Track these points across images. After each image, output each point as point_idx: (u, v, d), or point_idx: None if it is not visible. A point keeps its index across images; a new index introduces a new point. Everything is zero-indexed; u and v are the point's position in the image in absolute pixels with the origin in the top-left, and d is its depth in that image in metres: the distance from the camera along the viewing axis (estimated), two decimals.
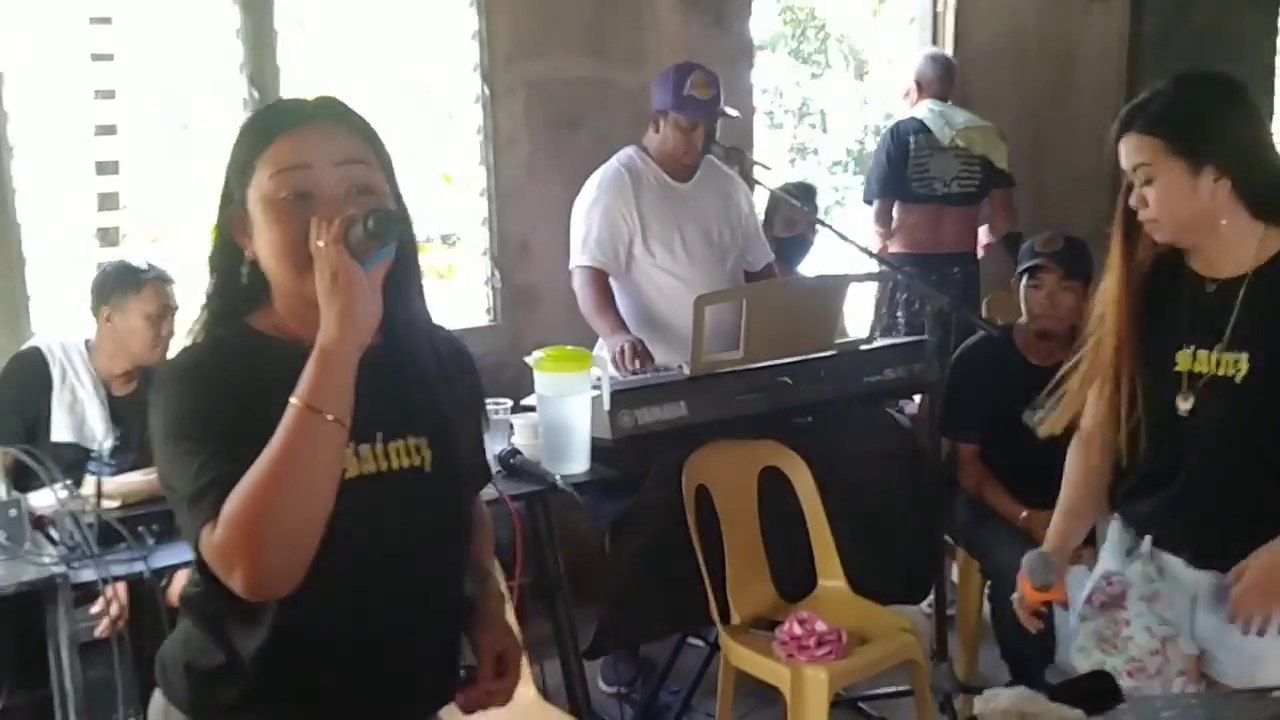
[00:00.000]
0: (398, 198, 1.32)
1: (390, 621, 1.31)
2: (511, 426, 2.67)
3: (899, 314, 4.01)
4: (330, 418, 1.16)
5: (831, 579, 2.86)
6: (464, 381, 1.45)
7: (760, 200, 4.04)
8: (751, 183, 3.55)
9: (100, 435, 2.72)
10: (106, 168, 3.31)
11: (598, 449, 2.60)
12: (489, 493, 2.37)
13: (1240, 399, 1.68)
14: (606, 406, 2.60)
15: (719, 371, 2.79)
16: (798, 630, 2.57)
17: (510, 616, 1.55)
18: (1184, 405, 1.73)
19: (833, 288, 3.10)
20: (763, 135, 5.14)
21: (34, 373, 2.71)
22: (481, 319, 3.78)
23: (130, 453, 2.74)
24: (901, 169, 4.09)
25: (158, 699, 1.39)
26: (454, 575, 1.41)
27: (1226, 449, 1.72)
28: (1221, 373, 1.70)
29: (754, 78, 4.33)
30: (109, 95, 3.27)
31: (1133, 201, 1.75)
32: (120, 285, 2.72)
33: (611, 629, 2.73)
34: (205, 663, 1.32)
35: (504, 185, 3.73)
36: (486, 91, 3.68)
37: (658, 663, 3.19)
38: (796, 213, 3.85)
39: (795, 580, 2.86)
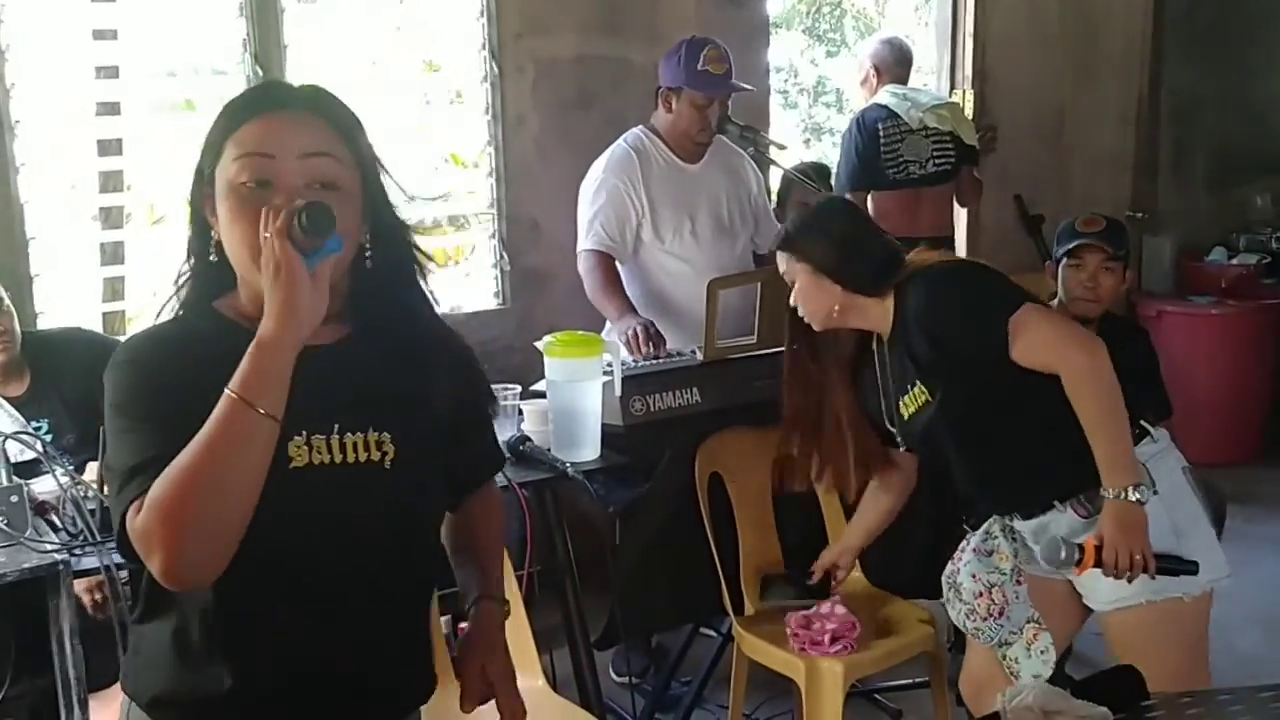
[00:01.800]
0: (377, 194, 1.30)
1: (340, 615, 1.27)
2: (520, 412, 2.63)
3: None
4: (262, 411, 1.14)
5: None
6: (457, 380, 1.40)
7: (774, 181, 3.98)
8: (767, 162, 3.49)
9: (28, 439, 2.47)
10: (109, 147, 3.26)
11: (609, 436, 2.55)
12: (497, 478, 2.36)
13: (936, 413, 2.12)
14: (618, 392, 2.55)
15: (732, 357, 2.74)
16: (809, 623, 2.52)
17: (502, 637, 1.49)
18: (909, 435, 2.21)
19: None
20: (776, 115, 5.06)
21: None
22: (490, 302, 3.73)
23: (70, 434, 2.60)
24: (874, 158, 4.01)
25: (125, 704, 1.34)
26: (411, 572, 1.36)
27: (946, 448, 2.17)
28: (921, 403, 2.14)
29: (768, 56, 4.25)
30: (112, 73, 3.22)
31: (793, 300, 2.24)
32: None
33: (622, 619, 2.69)
34: (162, 658, 1.28)
35: (513, 166, 3.67)
36: (495, 70, 3.61)
37: (669, 653, 3.15)
38: (810, 194, 3.78)
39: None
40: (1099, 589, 2.08)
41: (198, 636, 1.25)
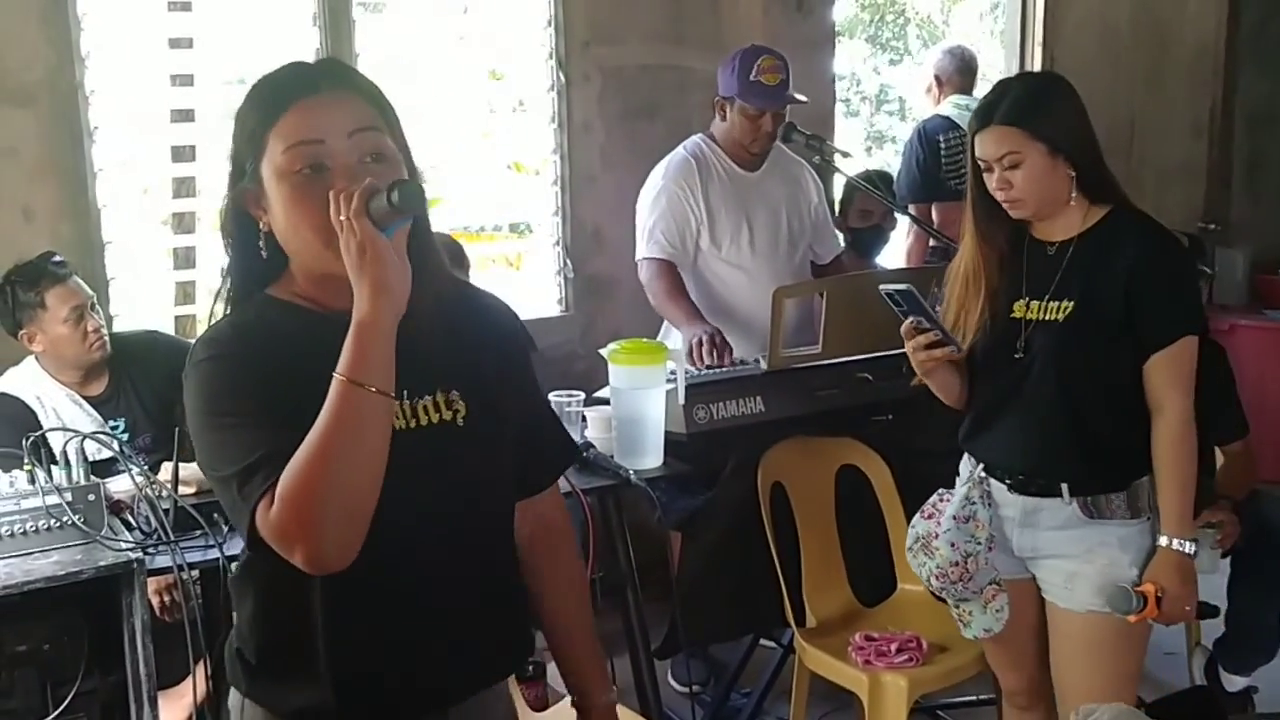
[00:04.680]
0: (408, 158, 1.29)
1: (438, 577, 1.29)
2: (584, 419, 2.63)
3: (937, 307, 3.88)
4: (374, 389, 1.15)
5: (911, 582, 2.77)
6: (507, 340, 1.42)
7: (838, 189, 3.95)
8: (831, 171, 3.47)
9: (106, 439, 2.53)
10: (183, 154, 3.33)
11: (672, 444, 2.55)
12: (561, 484, 2.36)
13: (1062, 336, 2.04)
14: (681, 400, 2.54)
15: (797, 366, 2.72)
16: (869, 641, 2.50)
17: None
18: (1019, 346, 2.08)
19: (916, 281, 2.99)
20: (838, 123, 5.03)
21: (21, 416, 2.59)
22: (553, 309, 3.75)
23: (146, 434, 2.68)
24: (934, 170, 3.96)
25: (234, 696, 1.37)
26: (501, 530, 1.39)
27: (1050, 381, 2.05)
28: (1047, 317, 2.07)
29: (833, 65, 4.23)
30: (187, 81, 3.28)
31: (995, 185, 2.07)
32: (24, 307, 2.63)
33: (683, 628, 2.67)
34: (276, 637, 1.32)
35: (577, 174, 3.69)
36: (561, 79, 3.63)
37: (729, 663, 3.13)
38: (872, 202, 3.75)
39: (873, 583, 2.78)
40: (1077, 592, 2.08)
41: (311, 619, 1.26)
